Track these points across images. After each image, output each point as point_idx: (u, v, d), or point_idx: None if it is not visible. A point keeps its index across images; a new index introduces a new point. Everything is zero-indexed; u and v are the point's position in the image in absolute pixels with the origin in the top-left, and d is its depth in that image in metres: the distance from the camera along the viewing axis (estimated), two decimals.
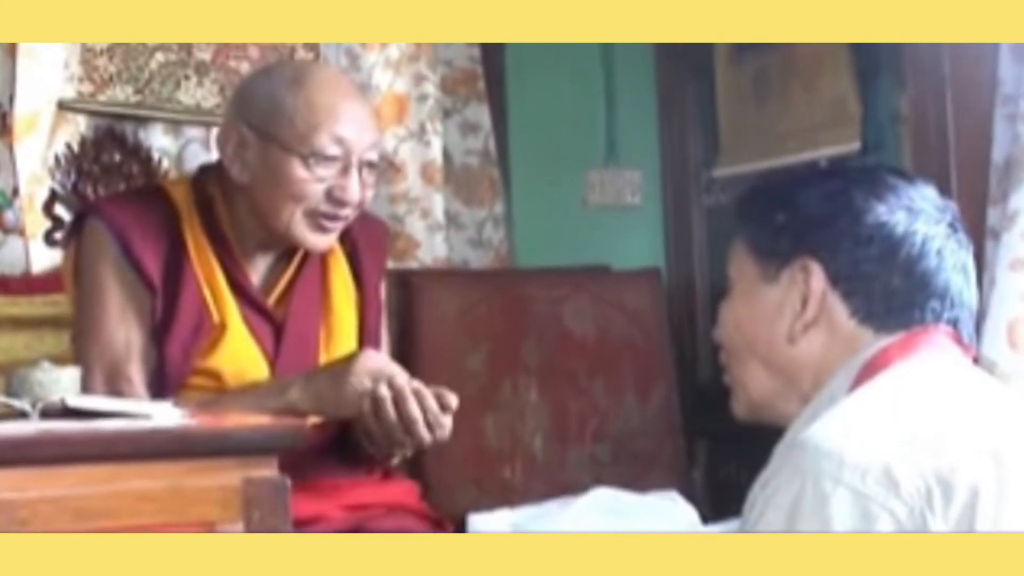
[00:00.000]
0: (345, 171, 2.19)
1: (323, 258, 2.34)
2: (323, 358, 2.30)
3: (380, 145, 2.28)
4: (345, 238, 2.35)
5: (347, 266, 2.38)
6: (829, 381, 1.48)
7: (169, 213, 2.25)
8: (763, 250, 1.55)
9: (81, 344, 2.23)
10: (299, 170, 2.17)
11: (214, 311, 2.22)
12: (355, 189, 2.20)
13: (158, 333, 2.19)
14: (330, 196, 2.19)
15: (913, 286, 1.48)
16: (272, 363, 2.25)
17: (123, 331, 2.19)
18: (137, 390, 2.17)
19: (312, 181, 2.17)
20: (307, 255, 2.31)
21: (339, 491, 2.31)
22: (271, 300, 2.28)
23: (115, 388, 2.15)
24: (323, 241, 2.25)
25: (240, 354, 2.23)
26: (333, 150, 2.17)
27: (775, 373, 1.54)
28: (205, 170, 2.38)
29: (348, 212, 2.22)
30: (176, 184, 2.41)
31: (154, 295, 2.19)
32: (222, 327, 2.22)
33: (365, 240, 2.39)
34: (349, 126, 2.19)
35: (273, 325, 2.27)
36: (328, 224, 2.22)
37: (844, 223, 1.50)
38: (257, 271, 2.30)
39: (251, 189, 2.22)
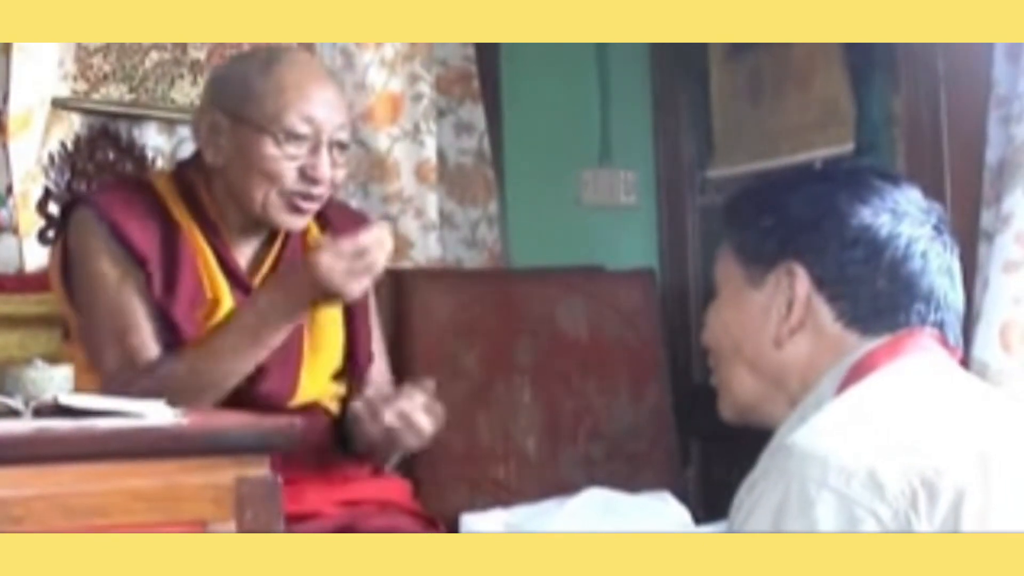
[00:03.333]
0: (315, 150, 2.24)
1: (304, 242, 2.38)
2: (305, 339, 2.32)
3: (348, 127, 2.34)
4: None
5: None
6: (816, 384, 1.49)
7: (155, 198, 2.30)
8: (749, 254, 1.55)
9: (87, 331, 2.25)
10: (270, 148, 2.22)
11: (208, 288, 2.26)
12: (325, 167, 2.25)
13: (162, 308, 2.21)
14: (302, 175, 2.24)
15: (898, 289, 1.49)
16: None
17: (123, 303, 2.20)
18: (149, 353, 2.19)
19: (283, 159, 2.23)
20: (288, 238, 2.36)
21: (331, 487, 2.32)
22: (256, 281, 2.33)
23: (128, 359, 2.17)
24: (298, 222, 2.30)
25: None
26: (303, 128, 2.23)
27: (762, 376, 1.55)
28: (185, 162, 2.46)
29: (320, 191, 2.27)
30: (158, 176, 2.47)
31: (148, 271, 2.21)
32: (215, 302, 2.26)
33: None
34: (318, 106, 2.24)
35: None
36: (302, 204, 2.26)
37: (829, 226, 1.50)
38: (243, 254, 2.35)
39: (226, 171, 2.27)
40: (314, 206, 2.28)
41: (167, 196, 2.30)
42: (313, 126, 2.23)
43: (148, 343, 2.20)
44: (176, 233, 2.26)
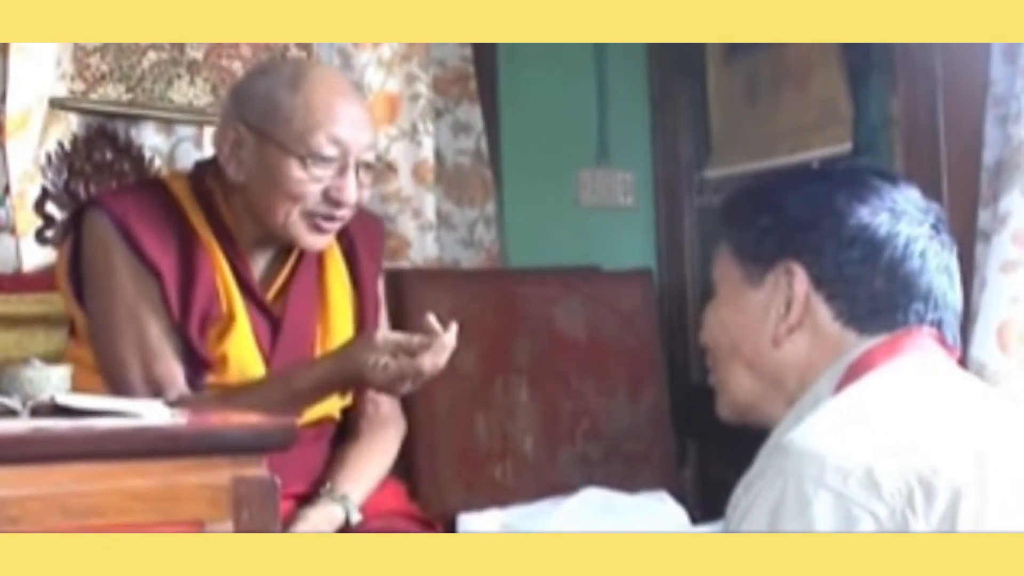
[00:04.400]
0: (342, 172, 2.19)
1: (320, 255, 2.34)
2: (319, 354, 2.30)
3: (376, 146, 2.29)
4: (342, 235, 2.35)
5: (343, 263, 2.39)
6: (814, 383, 1.49)
7: (171, 203, 2.26)
8: (747, 253, 1.55)
9: (105, 347, 2.22)
10: (296, 170, 2.17)
11: (223, 301, 2.23)
12: (352, 190, 2.20)
13: (178, 320, 2.19)
14: (327, 197, 2.20)
15: (896, 288, 1.49)
16: (268, 358, 2.25)
17: (142, 324, 2.19)
18: (176, 379, 2.18)
19: (309, 181, 2.18)
20: (303, 253, 2.31)
21: None
22: (270, 295, 2.30)
23: (155, 385, 2.16)
24: (319, 241, 2.25)
25: (242, 346, 2.25)
26: (330, 151, 2.18)
27: (760, 375, 1.55)
28: (202, 165, 2.39)
29: (344, 212, 2.23)
30: (175, 177, 2.41)
31: (163, 281, 2.19)
32: (230, 317, 2.24)
33: (362, 238, 2.40)
34: (346, 127, 2.19)
35: (271, 320, 2.28)
36: (325, 224, 2.22)
37: (827, 226, 1.50)
38: (257, 266, 2.31)
39: (247, 188, 2.23)
40: (336, 226, 2.24)
41: (184, 201, 2.26)
42: (341, 148, 2.18)
43: (173, 369, 2.19)
44: (194, 242, 2.22)
